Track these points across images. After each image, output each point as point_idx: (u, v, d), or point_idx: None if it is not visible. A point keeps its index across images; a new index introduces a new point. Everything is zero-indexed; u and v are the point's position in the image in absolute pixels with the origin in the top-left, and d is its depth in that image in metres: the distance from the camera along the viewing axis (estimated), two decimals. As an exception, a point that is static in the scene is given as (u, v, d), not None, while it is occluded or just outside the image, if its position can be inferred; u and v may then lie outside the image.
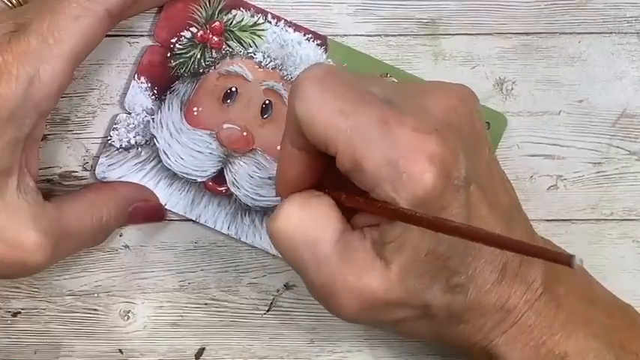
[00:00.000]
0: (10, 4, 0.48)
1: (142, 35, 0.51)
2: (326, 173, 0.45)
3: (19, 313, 0.53)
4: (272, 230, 0.45)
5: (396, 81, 0.51)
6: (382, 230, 0.43)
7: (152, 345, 0.54)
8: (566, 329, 0.46)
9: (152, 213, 0.52)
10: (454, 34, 0.52)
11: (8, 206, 0.46)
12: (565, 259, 0.34)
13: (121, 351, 0.54)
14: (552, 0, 0.52)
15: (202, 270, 0.53)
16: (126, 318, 0.54)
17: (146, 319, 0.54)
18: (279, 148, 0.46)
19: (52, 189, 0.52)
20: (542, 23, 0.52)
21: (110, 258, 0.53)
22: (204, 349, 0.54)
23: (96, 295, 0.54)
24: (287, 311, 0.54)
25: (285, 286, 0.54)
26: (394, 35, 0.52)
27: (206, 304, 0.54)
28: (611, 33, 0.52)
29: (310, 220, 0.44)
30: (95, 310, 0.54)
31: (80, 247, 0.51)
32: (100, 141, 0.52)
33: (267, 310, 0.54)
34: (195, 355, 0.54)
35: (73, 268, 0.53)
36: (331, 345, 0.54)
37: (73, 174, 0.52)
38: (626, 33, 0.52)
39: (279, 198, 0.51)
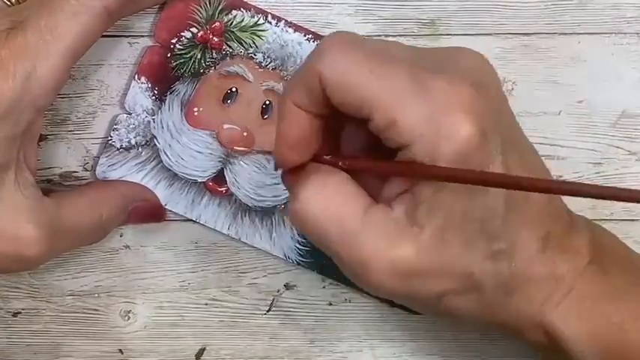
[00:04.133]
0: (8, 3, 0.48)
1: (142, 35, 0.51)
2: (331, 139, 0.45)
3: (19, 313, 0.54)
4: (296, 213, 0.43)
5: None
6: (412, 194, 0.42)
7: (152, 345, 0.54)
8: (619, 297, 0.44)
9: (152, 213, 0.52)
10: (454, 34, 0.52)
11: (5, 200, 0.46)
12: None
13: (121, 351, 0.54)
14: (552, 0, 0.52)
15: (202, 270, 0.54)
16: (126, 318, 0.54)
17: (146, 319, 0.54)
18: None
19: (53, 189, 0.52)
20: (542, 23, 0.52)
21: (110, 258, 0.53)
22: (204, 349, 0.54)
23: (96, 295, 0.54)
24: (287, 311, 0.54)
25: (285, 286, 0.54)
26: (394, 35, 0.52)
27: (206, 304, 0.54)
28: (611, 33, 0.52)
29: (333, 197, 0.43)
30: (95, 310, 0.54)
31: (78, 244, 0.51)
32: (100, 141, 0.52)
33: (268, 310, 0.54)
34: (196, 355, 0.54)
35: (73, 268, 0.53)
36: (331, 345, 0.54)
37: (73, 174, 0.52)
38: (626, 33, 0.52)
39: (279, 198, 0.51)
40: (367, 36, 0.51)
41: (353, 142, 0.45)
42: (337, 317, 0.54)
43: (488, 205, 0.41)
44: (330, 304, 0.54)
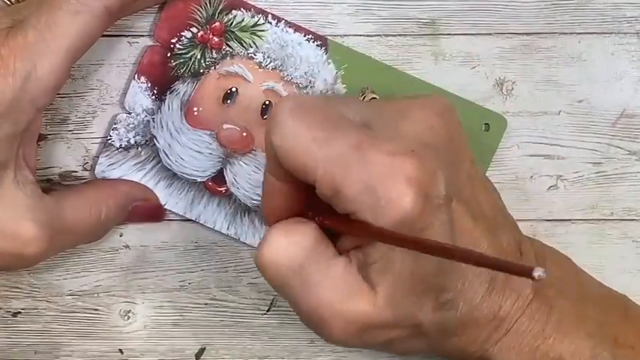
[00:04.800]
0: (8, 2, 0.47)
1: (142, 35, 0.51)
2: (310, 199, 0.45)
3: (19, 313, 0.53)
4: (259, 260, 0.45)
5: (376, 96, 0.51)
6: (366, 252, 0.43)
7: (152, 345, 0.54)
8: (560, 331, 0.46)
9: (151, 212, 0.52)
10: (454, 34, 0.52)
11: (5, 198, 0.46)
12: (527, 272, 0.35)
13: (121, 351, 0.54)
14: (552, 0, 0.52)
15: (202, 270, 0.53)
16: (126, 318, 0.54)
17: (146, 319, 0.54)
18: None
19: (52, 189, 0.52)
20: (542, 23, 0.52)
21: (110, 258, 0.53)
22: (204, 349, 0.54)
23: (96, 295, 0.54)
24: (287, 311, 0.54)
25: (285, 286, 0.54)
26: (394, 35, 0.52)
27: (206, 304, 0.54)
28: (611, 33, 0.52)
29: (296, 247, 0.44)
30: (95, 310, 0.54)
31: (78, 242, 0.51)
32: (99, 141, 0.52)
33: (267, 310, 0.54)
34: (195, 355, 0.54)
35: (73, 268, 0.53)
36: (331, 345, 0.54)
37: (72, 174, 0.52)
38: (626, 33, 0.52)
39: None
40: (367, 36, 0.52)
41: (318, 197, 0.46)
42: (337, 317, 0.54)
43: (434, 263, 0.43)
44: (330, 304, 0.54)
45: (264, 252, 0.45)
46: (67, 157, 0.52)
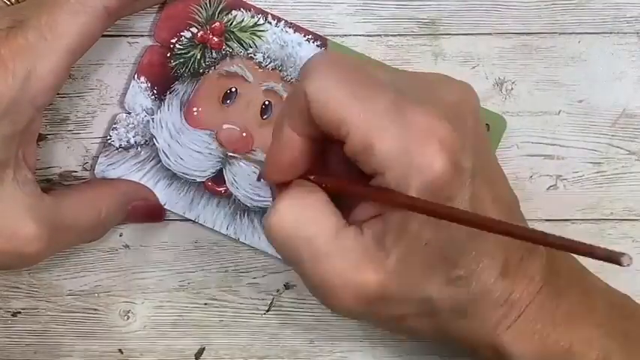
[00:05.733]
0: (7, 2, 0.47)
1: (142, 35, 0.51)
2: (317, 161, 0.45)
3: (19, 313, 0.53)
4: (268, 228, 0.44)
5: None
6: (383, 220, 0.43)
7: (152, 345, 0.54)
8: (570, 320, 0.46)
9: (151, 213, 0.52)
10: (454, 34, 0.52)
11: (4, 198, 0.46)
12: (614, 257, 0.35)
13: (121, 351, 0.54)
14: (552, 0, 0.52)
15: (202, 270, 0.54)
16: (126, 318, 0.54)
17: (146, 318, 0.54)
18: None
19: (52, 189, 0.52)
20: (542, 23, 0.52)
21: (110, 258, 0.53)
22: (204, 349, 0.54)
23: (96, 294, 0.54)
24: (287, 311, 0.54)
25: (285, 286, 0.54)
26: (394, 35, 0.52)
27: (206, 304, 0.54)
28: (611, 33, 0.52)
29: (307, 216, 0.44)
30: (95, 310, 0.54)
31: (78, 241, 0.51)
32: (99, 141, 0.52)
33: (267, 310, 0.54)
34: (195, 355, 0.54)
35: (73, 268, 0.53)
36: (331, 345, 0.54)
37: (72, 174, 0.52)
38: (626, 33, 0.52)
39: None
40: (367, 36, 0.51)
41: (337, 164, 0.46)
42: (337, 317, 0.54)
43: (451, 236, 0.43)
44: (330, 304, 0.54)
45: (273, 221, 0.44)
46: (67, 157, 0.52)
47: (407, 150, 0.41)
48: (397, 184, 0.42)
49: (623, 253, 0.35)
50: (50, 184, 0.52)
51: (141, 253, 0.53)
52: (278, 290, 0.54)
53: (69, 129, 0.52)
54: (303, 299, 0.54)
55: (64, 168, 0.52)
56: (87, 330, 0.54)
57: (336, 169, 0.46)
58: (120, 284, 0.53)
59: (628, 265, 0.34)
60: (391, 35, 0.52)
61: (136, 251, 0.53)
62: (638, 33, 0.52)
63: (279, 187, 0.46)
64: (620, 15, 0.52)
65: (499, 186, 0.46)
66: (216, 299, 0.54)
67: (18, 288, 0.53)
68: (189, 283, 0.54)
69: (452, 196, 0.42)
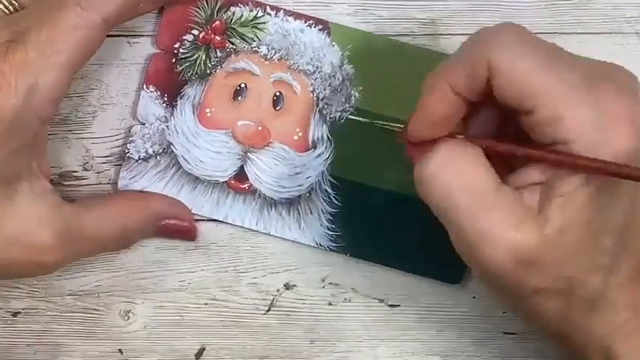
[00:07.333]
0: (6, 11, 0.47)
1: (142, 35, 0.51)
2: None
3: (19, 313, 0.54)
4: (424, 175, 0.43)
5: None
6: (550, 187, 0.43)
7: (152, 345, 0.54)
8: None
9: (182, 233, 0.52)
10: (454, 34, 0.52)
11: (21, 209, 0.46)
12: None
13: (121, 351, 0.54)
14: (552, 0, 0.52)
15: (202, 270, 0.54)
16: (126, 318, 0.54)
17: (146, 319, 0.54)
18: (423, 90, 0.44)
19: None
20: (542, 23, 0.52)
21: (110, 258, 0.53)
22: (204, 349, 0.54)
23: (96, 295, 0.54)
24: (287, 311, 0.54)
25: (285, 286, 0.54)
26: (394, 35, 0.52)
27: (206, 304, 0.54)
28: (611, 33, 0.52)
29: (469, 166, 0.43)
30: (95, 310, 0.54)
31: (101, 250, 0.51)
32: (99, 141, 0.52)
33: (267, 310, 0.54)
34: (195, 355, 0.54)
35: (73, 268, 0.53)
36: (331, 345, 0.54)
37: (73, 174, 0.52)
38: (626, 33, 0.52)
39: (303, 187, 0.51)
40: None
41: (481, 129, 0.46)
42: (337, 317, 0.54)
43: (611, 222, 0.42)
44: (330, 304, 0.54)
45: (431, 167, 0.43)
46: (67, 157, 0.52)
47: (599, 123, 0.41)
48: (584, 154, 0.41)
49: None
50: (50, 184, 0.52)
51: (141, 253, 0.53)
52: (278, 290, 0.54)
53: (69, 129, 0.52)
54: (304, 299, 0.54)
55: (64, 168, 0.52)
56: (87, 330, 0.54)
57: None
58: (120, 284, 0.54)
59: None
60: (391, 35, 0.52)
61: (137, 251, 0.53)
62: (638, 33, 0.52)
63: (419, 147, 0.45)
64: (620, 15, 0.52)
65: None
66: (216, 299, 0.54)
67: (18, 288, 0.53)
68: (189, 283, 0.54)
69: None
